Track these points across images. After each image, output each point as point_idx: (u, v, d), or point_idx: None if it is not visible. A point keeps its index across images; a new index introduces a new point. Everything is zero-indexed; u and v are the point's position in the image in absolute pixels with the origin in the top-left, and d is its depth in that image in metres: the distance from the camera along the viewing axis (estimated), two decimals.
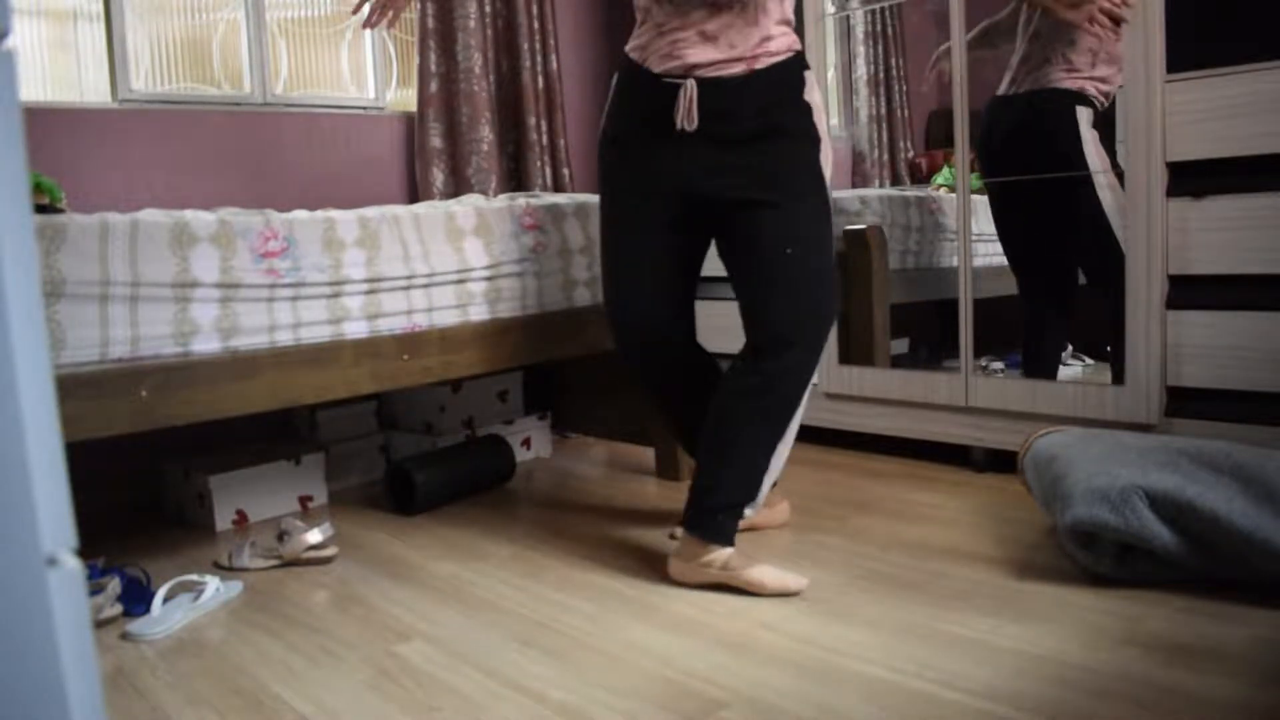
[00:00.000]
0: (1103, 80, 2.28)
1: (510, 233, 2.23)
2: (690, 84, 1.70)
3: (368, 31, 3.05)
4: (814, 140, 1.77)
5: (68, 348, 1.62)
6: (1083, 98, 2.31)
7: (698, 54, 1.71)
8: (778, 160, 1.74)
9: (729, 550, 1.74)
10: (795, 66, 1.77)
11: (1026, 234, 2.52)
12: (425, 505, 2.33)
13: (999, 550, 1.86)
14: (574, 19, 3.47)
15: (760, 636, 1.54)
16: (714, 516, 1.75)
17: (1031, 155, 2.41)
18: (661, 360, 1.93)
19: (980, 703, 1.28)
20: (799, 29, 2.04)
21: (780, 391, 1.75)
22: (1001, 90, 2.46)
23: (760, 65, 1.72)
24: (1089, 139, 2.28)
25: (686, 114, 1.70)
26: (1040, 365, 2.50)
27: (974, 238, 2.38)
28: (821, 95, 1.85)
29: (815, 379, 1.90)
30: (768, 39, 1.72)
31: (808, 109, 1.78)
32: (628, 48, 1.83)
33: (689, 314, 1.94)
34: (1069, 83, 2.33)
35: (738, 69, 1.71)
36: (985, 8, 2.45)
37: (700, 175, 1.75)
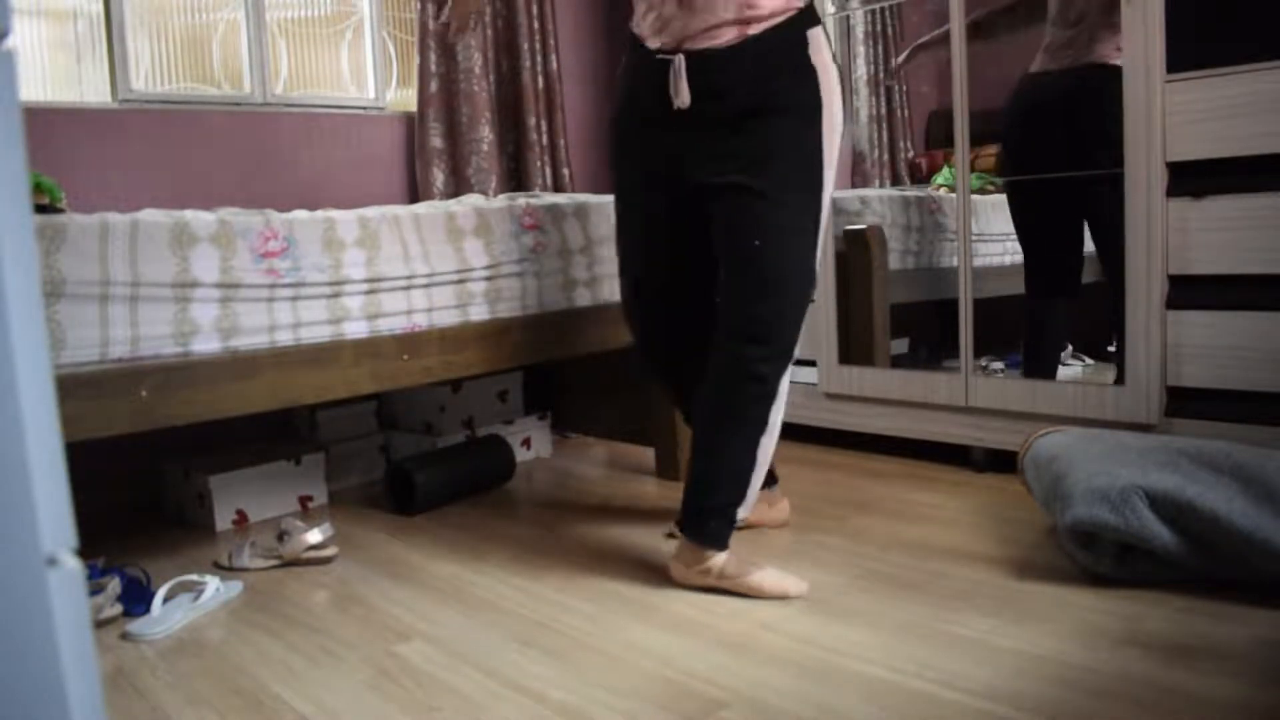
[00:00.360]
0: None
1: (510, 233, 2.23)
2: (679, 59, 1.67)
3: (369, 32, 3.05)
4: (813, 111, 1.67)
5: (68, 348, 1.62)
6: None
7: (681, 24, 1.67)
8: (770, 141, 1.66)
9: (724, 555, 1.73)
10: (796, 26, 1.66)
11: (1045, 221, 2.46)
12: (425, 505, 2.33)
13: (999, 550, 1.86)
14: (574, 19, 3.47)
15: (760, 637, 1.54)
16: (706, 521, 1.74)
17: (1067, 132, 2.32)
18: (668, 356, 1.93)
19: (980, 703, 1.28)
20: None
21: (757, 385, 1.71)
22: (1035, 68, 2.38)
23: (753, 30, 1.64)
24: None
25: (675, 90, 1.67)
26: (1040, 365, 2.50)
27: (974, 238, 2.37)
28: (831, 53, 1.72)
29: (815, 380, 1.88)
30: None
31: (811, 73, 1.66)
32: (630, 24, 1.82)
33: (701, 301, 1.87)
34: (1116, 59, 2.19)
35: (729, 35, 1.64)
36: (985, 7, 2.44)
37: (691, 162, 1.72)
